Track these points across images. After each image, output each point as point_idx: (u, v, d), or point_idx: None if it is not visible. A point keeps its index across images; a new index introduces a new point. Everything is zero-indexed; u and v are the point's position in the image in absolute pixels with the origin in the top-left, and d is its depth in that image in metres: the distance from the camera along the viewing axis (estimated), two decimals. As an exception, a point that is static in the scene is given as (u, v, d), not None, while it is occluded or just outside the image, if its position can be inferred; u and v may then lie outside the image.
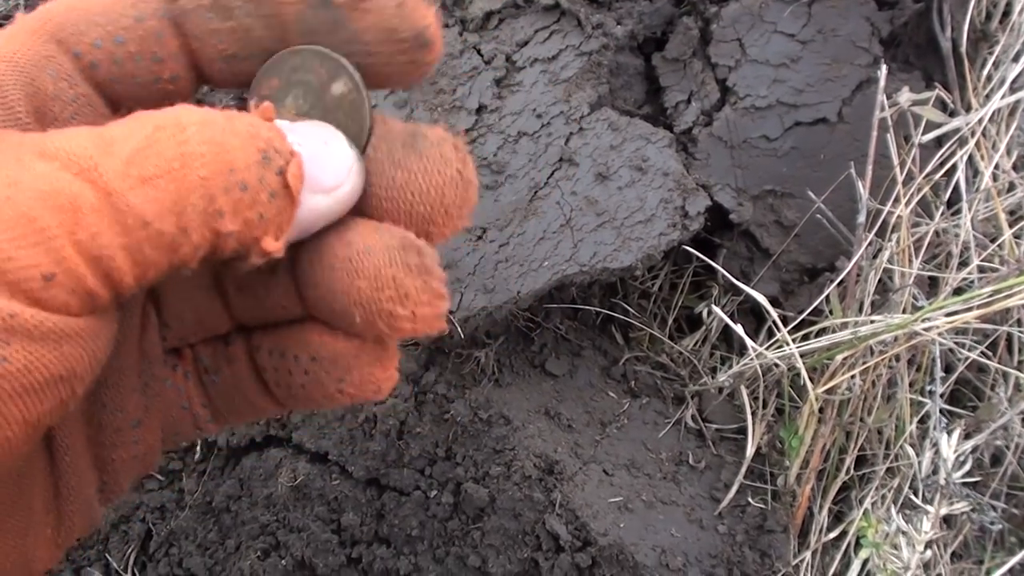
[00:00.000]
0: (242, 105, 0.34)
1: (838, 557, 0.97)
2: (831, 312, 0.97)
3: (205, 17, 0.32)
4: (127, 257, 0.27)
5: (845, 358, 0.94)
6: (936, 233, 0.97)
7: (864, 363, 0.94)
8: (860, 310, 0.96)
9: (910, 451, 0.97)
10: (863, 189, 0.93)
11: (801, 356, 0.92)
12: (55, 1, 0.33)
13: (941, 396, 0.95)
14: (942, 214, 0.97)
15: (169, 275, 0.29)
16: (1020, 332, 0.97)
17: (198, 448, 1.01)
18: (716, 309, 0.98)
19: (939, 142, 0.98)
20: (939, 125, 0.94)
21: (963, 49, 1.00)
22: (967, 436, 0.96)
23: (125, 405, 0.35)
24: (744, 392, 0.99)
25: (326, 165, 0.31)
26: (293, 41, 0.33)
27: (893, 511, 0.95)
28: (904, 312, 0.94)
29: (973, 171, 0.99)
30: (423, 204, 0.32)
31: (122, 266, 0.27)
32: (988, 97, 1.00)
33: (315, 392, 0.36)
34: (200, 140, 0.28)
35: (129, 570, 0.97)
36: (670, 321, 1.09)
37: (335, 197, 0.32)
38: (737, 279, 0.97)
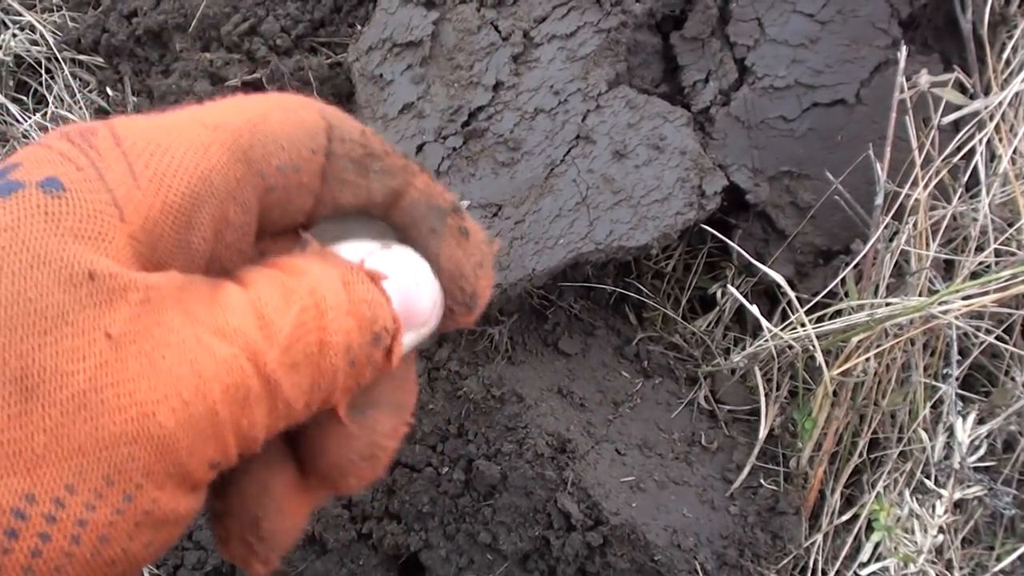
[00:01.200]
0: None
1: (849, 540, 0.96)
2: (847, 294, 0.96)
3: (344, 165, 0.33)
4: (264, 434, 0.29)
5: (860, 341, 0.93)
6: (953, 216, 0.97)
7: (879, 346, 0.94)
8: (876, 293, 0.96)
9: (923, 435, 0.96)
10: (881, 171, 0.93)
11: (816, 338, 0.92)
12: (230, 108, 0.31)
13: (956, 380, 0.95)
14: (960, 197, 0.97)
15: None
16: (1036, 317, 0.96)
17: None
18: (732, 289, 0.97)
19: (957, 125, 0.98)
20: (958, 107, 0.94)
21: (983, 32, 0.99)
22: (981, 421, 0.96)
23: None
24: (758, 373, 0.99)
25: (418, 304, 0.33)
26: (398, 219, 0.35)
27: (906, 494, 0.94)
28: (920, 295, 0.94)
29: (991, 155, 0.99)
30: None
31: (261, 439, 0.29)
32: (1007, 81, 0.99)
33: None
34: (335, 329, 0.29)
35: (138, 543, 0.97)
36: (684, 301, 1.08)
37: (420, 334, 0.34)
38: (752, 260, 0.97)
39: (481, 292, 0.35)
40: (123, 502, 0.25)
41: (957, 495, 0.94)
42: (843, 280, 0.96)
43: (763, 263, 0.98)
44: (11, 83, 1.22)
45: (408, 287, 0.33)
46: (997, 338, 0.96)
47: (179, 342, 0.26)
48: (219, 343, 0.27)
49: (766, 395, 0.99)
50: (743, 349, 1.00)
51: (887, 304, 0.91)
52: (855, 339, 0.93)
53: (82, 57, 1.21)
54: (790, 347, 0.96)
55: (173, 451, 0.26)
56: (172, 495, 0.27)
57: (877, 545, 0.96)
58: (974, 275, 0.95)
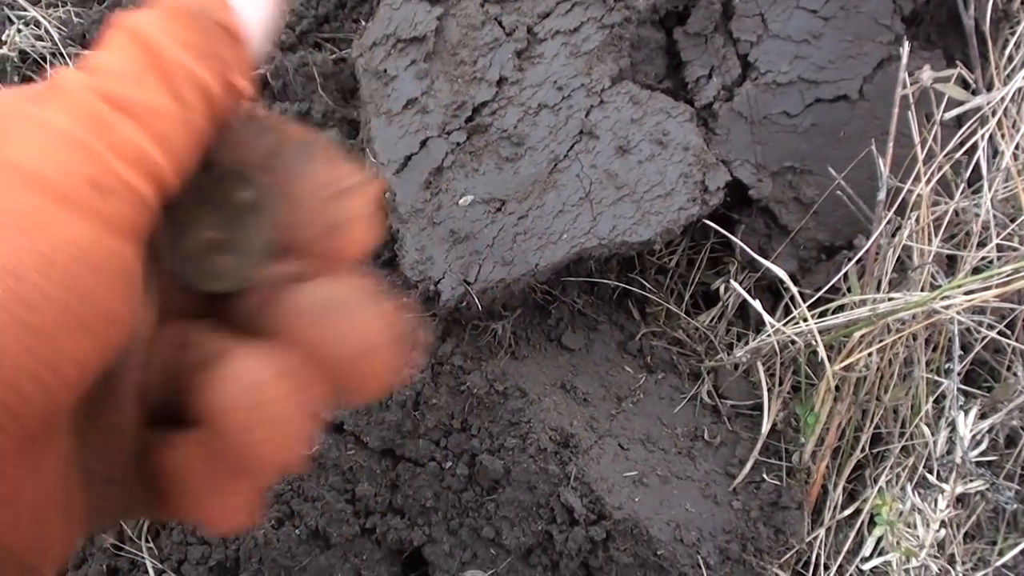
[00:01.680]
0: None
1: (852, 534, 0.97)
2: (849, 290, 0.96)
3: None
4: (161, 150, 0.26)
5: (863, 336, 0.94)
6: (956, 212, 0.97)
7: (881, 341, 0.94)
8: (878, 288, 0.96)
9: (925, 430, 0.96)
10: (883, 167, 0.93)
11: (819, 333, 0.92)
12: None
13: (958, 375, 0.95)
14: (962, 193, 0.97)
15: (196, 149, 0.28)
16: (1038, 312, 0.97)
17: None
18: (735, 284, 0.98)
19: (959, 121, 0.98)
20: (961, 103, 0.94)
21: (985, 28, 0.99)
22: (983, 416, 0.96)
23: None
24: (760, 368, 0.99)
25: None
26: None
27: (908, 489, 0.95)
28: (922, 290, 0.94)
29: (993, 150, 0.99)
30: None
31: (160, 161, 0.26)
32: (1010, 76, 0.99)
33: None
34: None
35: (143, 537, 0.97)
36: (687, 297, 1.08)
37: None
38: (755, 255, 0.97)
39: (345, 220, 0.30)
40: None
41: (959, 490, 0.94)
42: (846, 275, 0.96)
43: (766, 258, 0.98)
44: (16, 79, 1.22)
45: None
46: (999, 333, 0.96)
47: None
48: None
49: (769, 390, 0.99)
50: (746, 344, 1.00)
51: (889, 299, 0.92)
52: (857, 334, 0.93)
53: (87, 52, 1.21)
54: (793, 342, 0.96)
55: None
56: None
57: (879, 539, 0.96)
58: (976, 270, 0.95)
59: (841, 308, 0.95)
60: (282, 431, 0.28)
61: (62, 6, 1.25)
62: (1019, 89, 0.97)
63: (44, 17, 1.21)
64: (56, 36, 1.20)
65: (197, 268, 0.30)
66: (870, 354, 0.94)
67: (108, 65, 0.27)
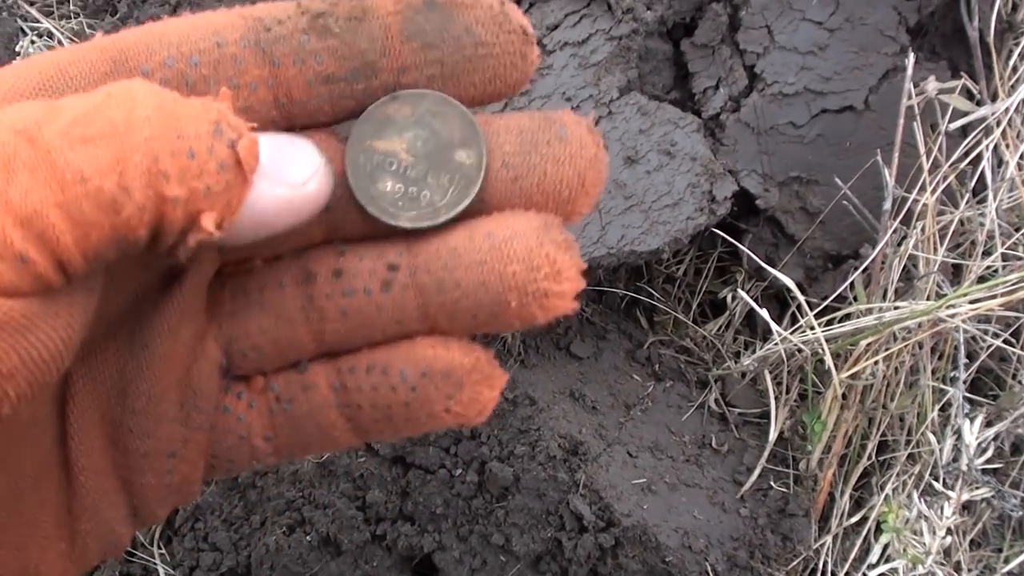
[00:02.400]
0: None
1: (859, 542, 0.97)
2: (855, 298, 0.97)
3: (300, 40, 0.31)
4: (63, 215, 0.25)
5: (869, 344, 0.94)
6: (961, 221, 0.98)
7: (888, 349, 0.95)
8: (884, 297, 0.97)
9: (931, 438, 0.97)
10: (889, 177, 0.94)
11: (826, 341, 0.93)
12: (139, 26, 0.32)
13: (964, 383, 0.96)
14: (967, 202, 0.98)
15: (119, 248, 0.27)
16: (1043, 321, 0.97)
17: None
18: (742, 293, 0.99)
19: (964, 131, 0.99)
20: (965, 113, 0.95)
21: (990, 39, 1.00)
22: (989, 424, 0.97)
23: (156, 433, 0.34)
24: (768, 377, 1.00)
25: (293, 159, 0.31)
26: (400, 50, 0.32)
27: (915, 496, 0.95)
28: (928, 299, 0.95)
29: (998, 160, 1.00)
30: (567, 188, 0.33)
31: (58, 224, 0.25)
32: (1014, 87, 1.00)
33: (419, 411, 0.34)
34: (150, 105, 0.26)
35: (155, 543, 0.98)
36: (694, 305, 1.09)
37: (301, 194, 0.30)
38: (762, 264, 0.98)
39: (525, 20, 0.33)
40: None
41: (965, 497, 0.95)
42: (852, 284, 0.97)
43: (773, 267, 0.99)
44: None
45: (280, 142, 0.31)
46: (1005, 341, 0.97)
47: None
48: None
49: (776, 398, 1.00)
50: (753, 352, 1.01)
51: (895, 308, 0.92)
52: (864, 343, 0.94)
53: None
54: (799, 350, 0.97)
55: None
56: None
57: (886, 547, 0.96)
58: (981, 279, 0.96)
59: (847, 317, 0.96)
60: None
61: (75, 17, 1.26)
62: (1023, 100, 0.98)
63: (57, 28, 1.23)
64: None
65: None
66: (876, 362, 0.95)
67: (75, 111, 0.26)
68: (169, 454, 0.34)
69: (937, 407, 0.98)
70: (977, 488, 0.95)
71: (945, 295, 0.92)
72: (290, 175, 0.30)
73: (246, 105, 0.32)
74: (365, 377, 0.35)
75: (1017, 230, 0.97)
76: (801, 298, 0.93)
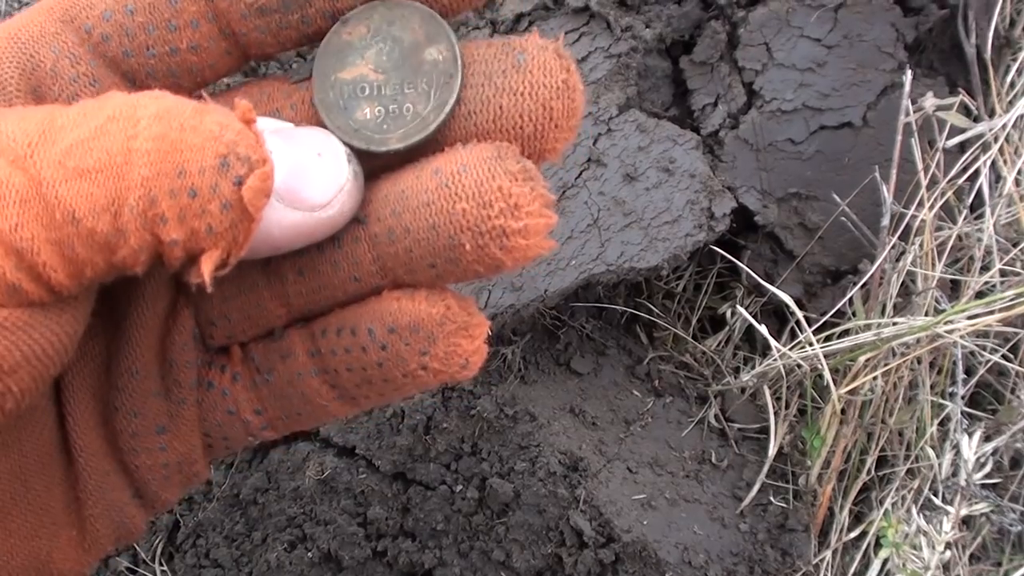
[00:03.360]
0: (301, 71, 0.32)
1: (858, 557, 0.98)
2: (854, 314, 0.98)
3: None
4: (55, 252, 0.25)
5: (868, 360, 0.95)
6: (959, 237, 0.99)
7: (886, 365, 0.95)
8: (883, 312, 0.97)
9: (930, 453, 0.97)
10: (887, 193, 0.95)
11: (824, 357, 0.93)
12: None
13: (962, 398, 0.96)
14: (965, 218, 0.98)
15: (117, 275, 0.27)
16: (1041, 336, 0.98)
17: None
18: (741, 309, 0.99)
19: (962, 147, 0.99)
20: (963, 130, 0.96)
21: (987, 55, 1.01)
22: (987, 439, 0.97)
23: (141, 410, 0.33)
24: (767, 392, 1.00)
25: (314, 179, 0.28)
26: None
27: (914, 511, 0.96)
28: (926, 315, 0.95)
29: (996, 176, 1.00)
30: (531, 123, 0.30)
31: (49, 261, 0.25)
32: (1011, 103, 1.01)
33: (394, 371, 0.32)
34: (150, 135, 0.25)
35: (157, 560, 0.98)
36: (694, 321, 1.10)
37: (317, 218, 0.29)
38: (761, 280, 0.99)
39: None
40: None
41: (964, 512, 0.95)
42: (850, 300, 0.97)
43: (772, 283, 1.00)
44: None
45: (303, 158, 0.28)
46: (1003, 357, 0.97)
47: None
48: None
49: (775, 413, 1.00)
50: (752, 368, 1.01)
51: (894, 323, 0.93)
52: (862, 358, 0.94)
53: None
54: (799, 366, 0.97)
55: None
56: None
57: (885, 561, 0.97)
58: (979, 295, 0.96)
59: (846, 332, 0.96)
60: None
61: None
62: (1020, 116, 0.99)
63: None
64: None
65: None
66: (875, 378, 0.95)
67: (72, 137, 0.26)
68: (157, 429, 0.34)
69: (936, 422, 0.98)
70: (976, 503, 0.96)
71: (943, 311, 0.92)
72: (309, 196, 0.28)
73: (194, 44, 0.31)
74: (336, 339, 0.33)
75: (1015, 245, 0.98)
76: (800, 314, 0.94)
